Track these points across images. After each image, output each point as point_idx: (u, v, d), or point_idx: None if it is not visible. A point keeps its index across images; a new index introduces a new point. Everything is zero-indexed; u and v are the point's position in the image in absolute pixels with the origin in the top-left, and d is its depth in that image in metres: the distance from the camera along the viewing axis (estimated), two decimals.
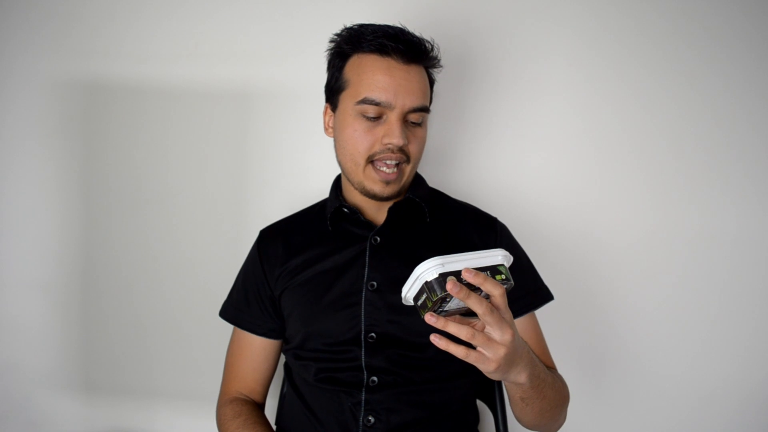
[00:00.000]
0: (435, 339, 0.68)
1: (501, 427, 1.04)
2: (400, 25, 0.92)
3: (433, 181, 1.11)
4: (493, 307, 0.68)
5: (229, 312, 1.05)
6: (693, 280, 1.21)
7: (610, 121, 1.20)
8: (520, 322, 0.96)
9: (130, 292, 1.29)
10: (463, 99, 1.21)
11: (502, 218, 1.04)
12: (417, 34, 0.92)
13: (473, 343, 0.68)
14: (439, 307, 0.69)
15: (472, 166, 1.23)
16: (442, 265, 0.67)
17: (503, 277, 0.70)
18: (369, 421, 0.89)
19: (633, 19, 1.18)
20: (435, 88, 0.99)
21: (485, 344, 0.68)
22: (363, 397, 0.90)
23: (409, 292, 0.70)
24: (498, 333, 0.68)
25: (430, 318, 0.67)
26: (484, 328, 0.70)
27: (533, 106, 1.21)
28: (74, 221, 1.29)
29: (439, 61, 0.96)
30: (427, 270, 0.67)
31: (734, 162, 1.19)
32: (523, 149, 1.22)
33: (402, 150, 0.90)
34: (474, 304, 0.66)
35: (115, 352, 1.30)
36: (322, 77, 0.98)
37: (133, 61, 1.25)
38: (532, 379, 0.77)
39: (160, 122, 1.26)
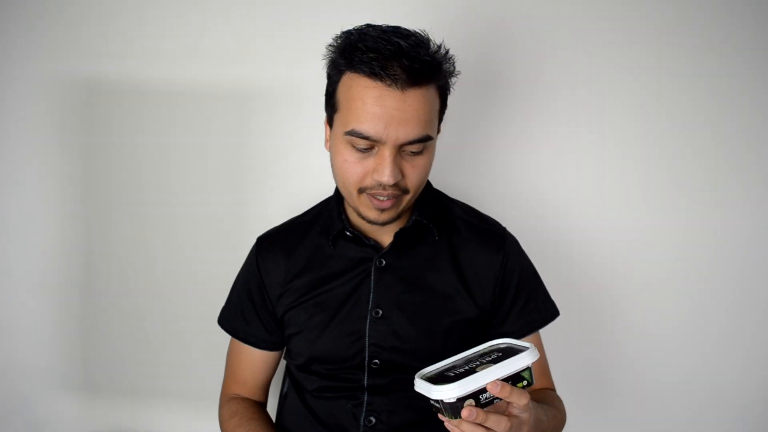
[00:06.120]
0: (450, 427, 0.68)
1: None
2: (406, 30, 0.81)
3: (439, 183, 1.10)
4: (514, 423, 0.67)
5: (228, 323, 1.03)
6: (697, 288, 1.20)
7: (619, 125, 1.19)
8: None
9: (130, 292, 1.29)
10: (470, 100, 1.20)
11: (508, 223, 1.01)
12: (432, 43, 0.81)
13: None
14: None
15: (479, 169, 1.22)
16: (462, 389, 0.65)
17: (525, 383, 0.69)
18: (370, 421, 0.90)
19: (639, 22, 1.17)
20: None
21: None
22: (365, 399, 0.90)
23: (421, 391, 0.69)
24: None
25: (442, 417, 0.68)
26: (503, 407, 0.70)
27: (541, 109, 1.20)
28: (74, 222, 1.29)
29: (453, 72, 0.84)
30: (445, 393, 0.66)
31: (751, 165, 1.17)
32: (530, 152, 1.21)
33: (396, 185, 0.82)
34: (494, 425, 0.66)
35: (115, 352, 1.30)
36: (324, 79, 0.95)
37: (134, 61, 1.25)
38: None
39: (161, 123, 1.26)
